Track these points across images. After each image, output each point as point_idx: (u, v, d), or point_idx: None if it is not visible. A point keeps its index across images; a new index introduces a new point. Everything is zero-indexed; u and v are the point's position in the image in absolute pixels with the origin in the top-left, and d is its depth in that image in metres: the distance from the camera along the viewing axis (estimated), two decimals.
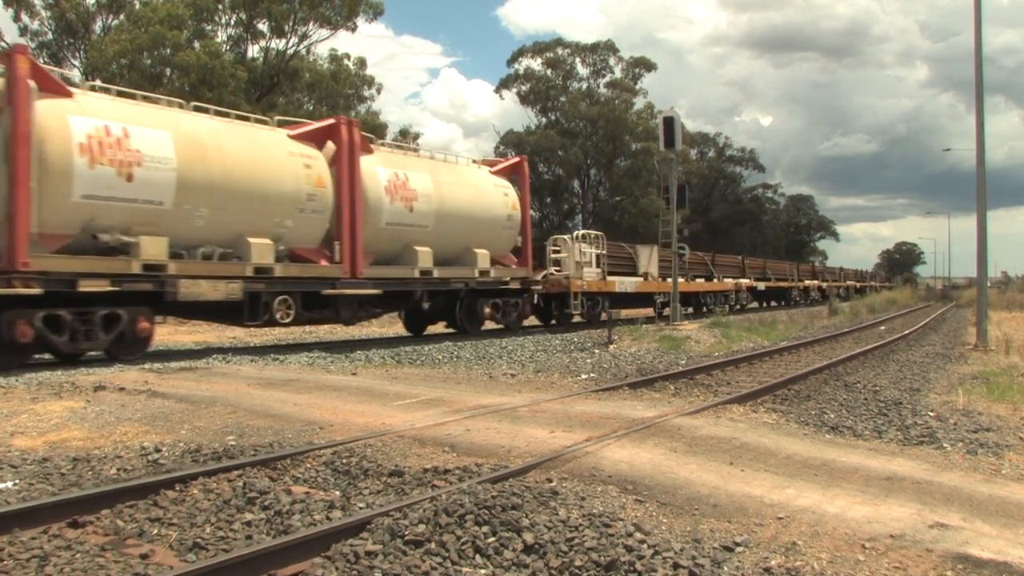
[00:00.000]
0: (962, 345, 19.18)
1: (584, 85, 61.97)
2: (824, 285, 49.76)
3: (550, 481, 5.46)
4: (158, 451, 6.36)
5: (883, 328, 25.07)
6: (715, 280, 32.37)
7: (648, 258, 26.76)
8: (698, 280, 30.61)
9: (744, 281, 34.95)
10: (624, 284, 24.46)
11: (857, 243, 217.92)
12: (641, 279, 25.80)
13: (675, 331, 19.52)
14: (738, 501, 5.09)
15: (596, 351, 16.32)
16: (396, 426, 7.26)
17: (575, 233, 23.42)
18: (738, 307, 33.23)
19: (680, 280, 25.68)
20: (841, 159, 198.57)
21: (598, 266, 23.29)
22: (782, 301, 42.40)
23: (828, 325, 26.58)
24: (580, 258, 22.39)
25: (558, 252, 22.68)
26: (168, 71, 34.33)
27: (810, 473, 5.79)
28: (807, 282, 46.59)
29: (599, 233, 24.61)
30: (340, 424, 7.47)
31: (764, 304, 40.93)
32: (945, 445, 6.99)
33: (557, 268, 22.17)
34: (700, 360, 14.42)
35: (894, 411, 8.78)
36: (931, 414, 8.55)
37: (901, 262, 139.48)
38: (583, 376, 11.84)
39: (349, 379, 11.02)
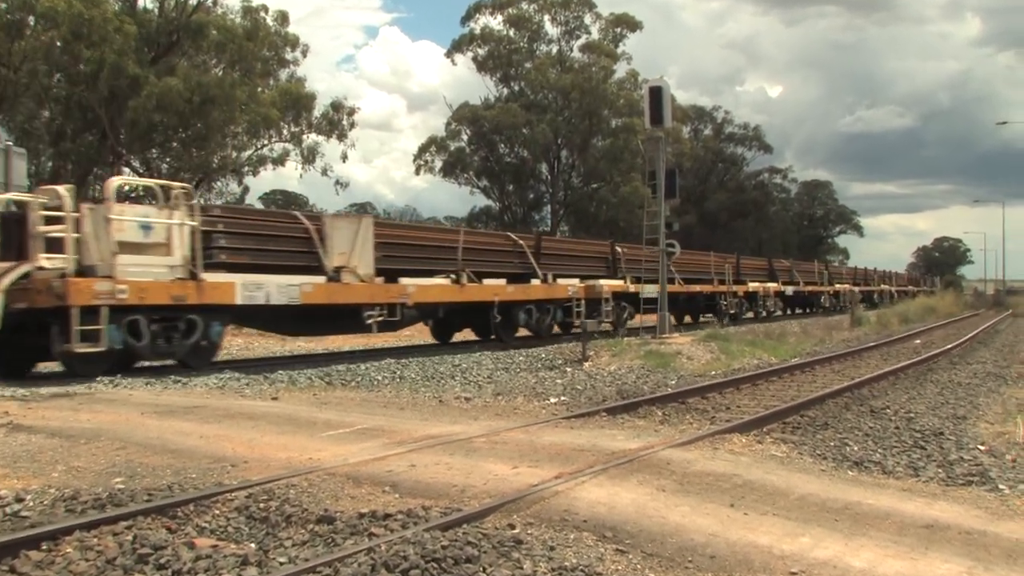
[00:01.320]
0: (1021, 363, 19.57)
1: (554, 48, 62.17)
2: (790, 290, 42.41)
3: (513, 527, 5.45)
4: (20, 500, 6.18)
5: (918, 342, 25.45)
6: (537, 281, 22.84)
7: (351, 241, 17.45)
8: (493, 281, 21.45)
9: (609, 283, 25.81)
10: (265, 290, 15.48)
11: (886, 239, 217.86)
12: (323, 280, 16.70)
13: (663, 345, 19.66)
14: (741, 552, 5.11)
15: (568, 369, 16.39)
16: (326, 462, 7.20)
17: (109, 183, 14.89)
18: (603, 326, 24.00)
19: (440, 281, 19.90)
20: (867, 137, 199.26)
21: (188, 252, 14.48)
22: (710, 313, 33.48)
23: (849, 338, 26.93)
24: (122, 235, 13.68)
25: (55, 222, 13.33)
26: (31, 20, 33.43)
27: (829, 518, 5.83)
28: (754, 285, 37.58)
29: (182, 187, 15.31)
30: (257, 460, 7.39)
31: (683, 320, 33.28)
32: (1001, 487, 7.05)
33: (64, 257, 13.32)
34: (693, 380, 14.54)
35: (933, 443, 8.90)
36: (981, 448, 8.65)
37: (942, 261, 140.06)
38: (552, 400, 11.87)
39: (268, 405, 10.92)
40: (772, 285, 39.88)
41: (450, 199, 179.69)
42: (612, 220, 56.30)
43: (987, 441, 9.06)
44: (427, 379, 14.98)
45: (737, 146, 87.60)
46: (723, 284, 33.96)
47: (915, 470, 7.64)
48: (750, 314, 36.75)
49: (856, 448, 8.55)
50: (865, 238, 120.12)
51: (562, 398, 12.09)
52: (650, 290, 26.67)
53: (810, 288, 45.46)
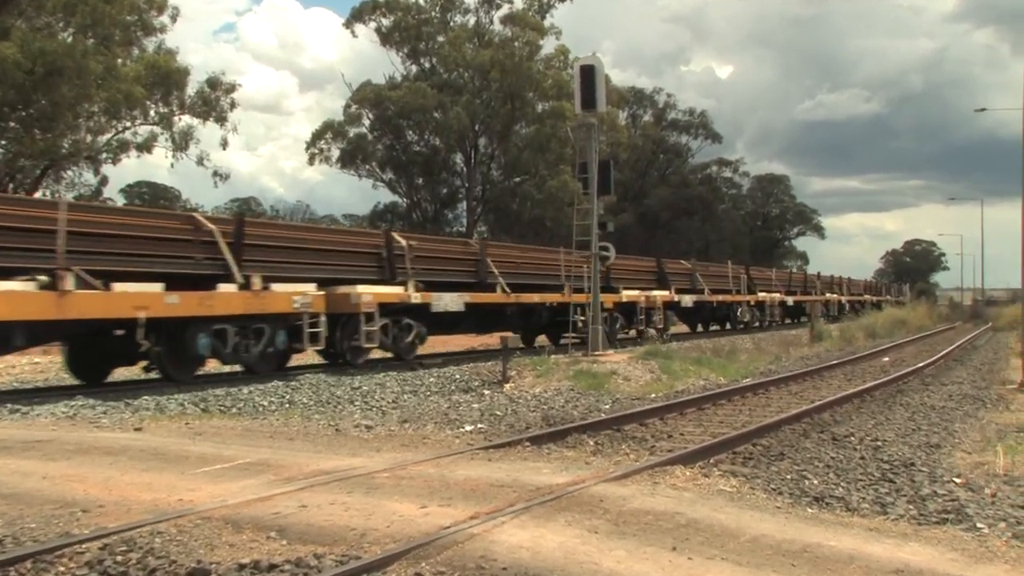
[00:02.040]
0: (1001, 384, 20.11)
1: (471, 19, 62.42)
2: (688, 301, 37.00)
3: None
4: None
5: (887, 359, 26.12)
6: (231, 287, 17.37)
7: None
8: (136, 287, 15.68)
9: (376, 290, 20.33)
10: None
11: (851, 241, 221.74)
12: None
13: (596, 364, 19.80)
14: None
15: (486, 392, 16.42)
16: (200, 504, 7.10)
17: None
18: (367, 354, 20.68)
19: (15, 286, 14.02)
20: (829, 125, 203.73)
21: None
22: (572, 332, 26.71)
23: (809, 355, 27.47)
24: None
25: None
26: None
27: (785, 562, 5.92)
28: (631, 293, 31.73)
29: None
30: (115, 504, 7.23)
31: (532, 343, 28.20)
32: (979, 525, 7.22)
33: None
34: (630, 404, 14.69)
35: (904, 476, 9.11)
36: (957, 480, 8.87)
37: (913, 267, 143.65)
38: (467, 428, 11.89)
39: (131, 437, 10.71)
40: (660, 294, 34.21)
41: (350, 194, 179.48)
42: (538, 219, 56.54)
43: (964, 473, 9.29)
44: (321, 404, 14.84)
45: (681, 134, 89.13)
46: (580, 292, 26.99)
47: (883, 507, 7.79)
48: (630, 332, 31.64)
49: (816, 481, 8.70)
50: (827, 240, 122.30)
51: (479, 425, 12.10)
52: (448, 301, 22.52)
53: (720, 298, 40.76)
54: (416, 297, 21.34)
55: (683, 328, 39.42)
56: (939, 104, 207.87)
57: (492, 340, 26.10)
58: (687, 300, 36.90)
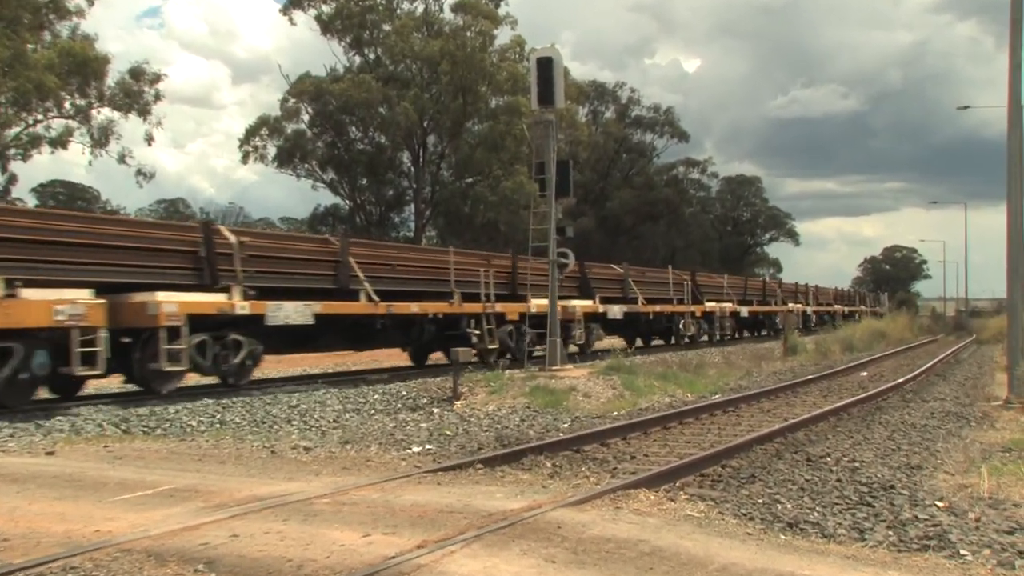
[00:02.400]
0: (986, 401, 20.25)
1: (419, 7, 62.37)
2: (617, 312, 34.06)
3: None
4: None
5: (865, 374, 26.41)
6: None
7: None
8: None
9: (184, 298, 17.64)
10: None
11: (827, 247, 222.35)
12: None
13: (553, 379, 19.79)
14: None
15: (435, 411, 16.40)
16: (119, 535, 7.01)
17: None
18: (169, 384, 17.86)
19: None
20: (803, 123, 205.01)
21: None
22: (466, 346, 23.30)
23: (782, 370, 27.68)
24: None
25: None
26: None
27: None
28: (542, 303, 26.50)
29: None
30: (22, 537, 7.12)
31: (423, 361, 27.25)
32: (963, 552, 7.26)
33: None
34: (591, 423, 14.74)
35: (883, 499, 9.15)
36: (940, 504, 8.93)
37: (893, 276, 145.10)
38: (415, 449, 11.89)
39: (42, 462, 10.62)
40: (581, 304, 31.50)
41: (288, 195, 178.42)
42: (491, 223, 56.52)
43: (946, 496, 9.35)
44: (256, 424, 14.76)
45: (646, 132, 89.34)
46: (473, 302, 25.64)
47: (861, 532, 7.83)
48: (539, 350, 26.64)
49: (789, 506, 8.73)
50: (802, 246, 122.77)
51: (427, 446, 12.10)
52: (290, 311, 19.65)
53: (658, 308, 38.37)
54: (243, 307, 18.63)
55: (619, 343, 37.29)
56: (920, 101, 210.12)
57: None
58: (615, 311, 34.38)
